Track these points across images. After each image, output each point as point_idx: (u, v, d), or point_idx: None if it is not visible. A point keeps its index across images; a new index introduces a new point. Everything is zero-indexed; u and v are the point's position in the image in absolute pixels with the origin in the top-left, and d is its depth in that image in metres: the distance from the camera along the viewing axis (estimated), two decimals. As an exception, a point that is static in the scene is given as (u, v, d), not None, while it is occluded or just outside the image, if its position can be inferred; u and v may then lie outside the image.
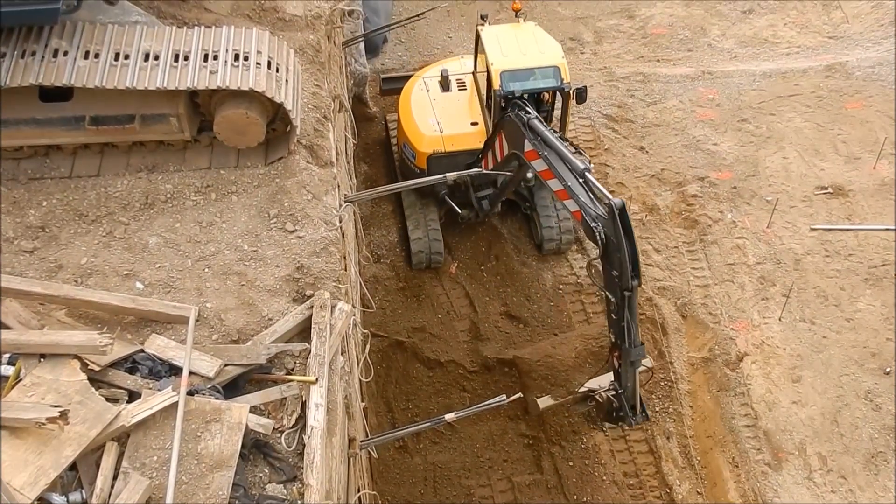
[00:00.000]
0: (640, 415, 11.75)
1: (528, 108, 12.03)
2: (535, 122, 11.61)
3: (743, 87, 17.04)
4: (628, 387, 11.43)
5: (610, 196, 10.33)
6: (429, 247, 14.35)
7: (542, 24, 18.39)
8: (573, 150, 11.22)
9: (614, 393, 11.68)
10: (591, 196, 10.66)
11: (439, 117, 14.02)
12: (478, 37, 13.81)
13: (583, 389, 12.27)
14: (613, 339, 11.16)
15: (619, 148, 16.25)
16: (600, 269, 10.82)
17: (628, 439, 13.19)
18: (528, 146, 11.59)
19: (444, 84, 14.41)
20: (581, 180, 10.72)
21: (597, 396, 12.05)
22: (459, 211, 14.47)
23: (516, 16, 13.99)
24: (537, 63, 13.06)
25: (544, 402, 12.50)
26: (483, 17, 13.91)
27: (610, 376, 11.84)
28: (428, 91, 14.37)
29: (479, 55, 14.19)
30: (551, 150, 11.17)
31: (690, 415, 13.26)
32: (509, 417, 13.43)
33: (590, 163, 11.05)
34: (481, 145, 13.65)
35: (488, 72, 13.25)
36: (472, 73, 14.62)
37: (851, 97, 16.58)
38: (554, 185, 11.21)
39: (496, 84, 12.83)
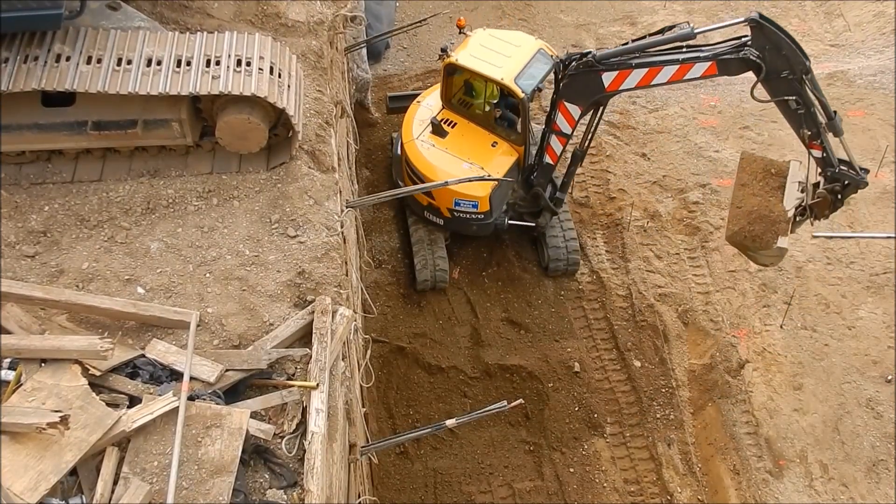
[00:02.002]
0: (861, 171, 11.42)
1: (582, 55, 12.06)
2: (602, 51, 11.82)
3: (745, 95, 16.95)
4: (838, 159, 11.32)
5: (738, 19, 10.70)
6: (434, 276, 14.39)
7: (545, 31, 18.57)
8: (662, 34, 11.48)
9: (829, 179, 11.46)
10: (711, 46, 11.12)
11: (469, 158, 13.72)
12: (450, 68, 13.59)
13: (792, 207, 11.75)
14: (809, 132, 11.10)
15: (621, 154, 16.27)
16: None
17: (629, 446, 13.18)
18: (608, 79, 11.77)
19: (439, 131, 13.97)
20: (687, 45, 11.14)
21: (815, 200, 11.65)
22: (535, 223, 14.49)
23: (461, 31, 13.89)
24: (527, 55, 13.43)
25: (783, 242, 11.89)
26: (444, 50, 13.64)
27: (796, 184, 11.69)
28: (433, 146, 13.91)
29: (449, 85, 13.99)
30: (641, 54, 11.43)
31: (691, 422, 13.25)
32: (510, 423, 13.42)
33: (688, 23, 11.28)
34: (514, 157, 13.74)
35: (490, 86, 13.61)
36: (445, 106, 14.22)
37: (853, 105, 16.59)
38: (664, 75, 11.42)
39: (518, 93, 13.01)
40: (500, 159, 13.77)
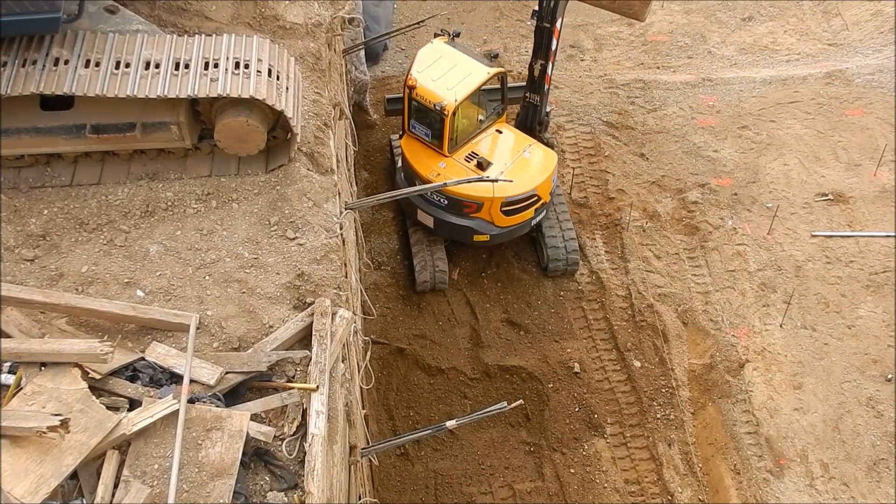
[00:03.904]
0: None
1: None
2: None
3: (743, 94, 17.07)
4: None
5: None
6: (433, 277, 14.47)
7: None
8: None
9: None
10: None
11: (516, 150, 14.28)
12: (452, 114, 13.53)
13: None
14: None
15: (620, 155, 16.27)
16: None
17: (630, 446, 13.18)
18: None
19: (484, 165, 13.94)
20: None
21: None
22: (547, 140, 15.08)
23: (412, 89, 13.79)
24: (457, 52, 14.23)
25: None
26: (441, 108, 13.48)
27: None
28: (502, 173, 13.70)
29: (451, 128, 13.93)
30: None
31: (692, 422, 13.25)
32: (510, 424, 13.42)
33: None
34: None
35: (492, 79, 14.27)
36: (450, 153, 14.10)
37: (851, 104, 16.61)
38: None
39: (503, 69, 14.36)
40: (511, 129, 14.71)
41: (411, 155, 14.18)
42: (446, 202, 13.93)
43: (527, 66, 14.63)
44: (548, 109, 15.10)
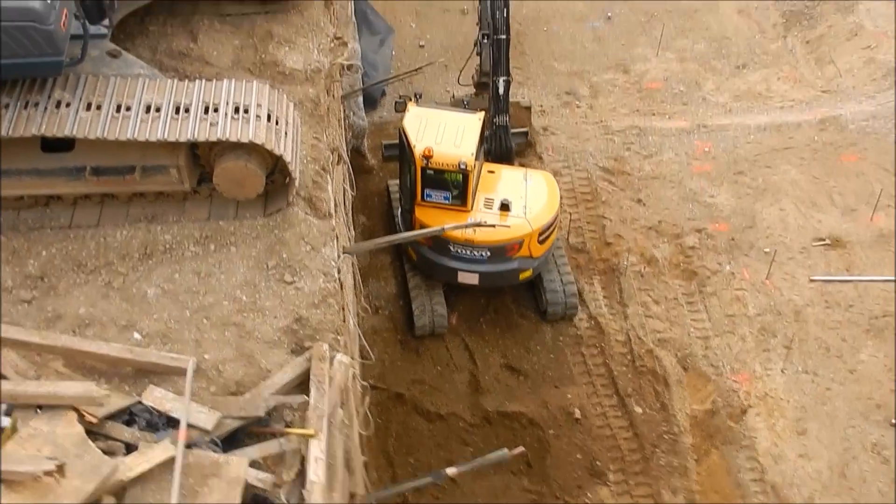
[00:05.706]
0: None
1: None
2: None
3: (738, 141, 17.19)
4: None
5: None
6: (432, 321, 14.39)
7: (539, 78, 18.84)
8: None
9: None
10: None
11: (519, 181, 14.42)
12: (467, 173, 13.50)
13: None
14: None
15: (617, 200, 16.32)
16: None
17: (633, 494, 12.97)
18: None
19: (507, 206, 13.89)
20: None
21: None
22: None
23: (427, 159, 13.63)
24: (434, 108, 14.51)
25: None
26: (463, 165, 13.37)
27: None
28: (523, 211, 13.89)
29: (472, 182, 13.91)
30: None
31: (696, 469, 13.05)
32: (512, 472, 13.20)
33: None
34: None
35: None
36: (471, 206, 14.00)
37: (846, 150, 16.73)
38: None
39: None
40: (495, 165, 14.85)
41: (435, 223, 13.53)
42: (489, 253, 13.93)
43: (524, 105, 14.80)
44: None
